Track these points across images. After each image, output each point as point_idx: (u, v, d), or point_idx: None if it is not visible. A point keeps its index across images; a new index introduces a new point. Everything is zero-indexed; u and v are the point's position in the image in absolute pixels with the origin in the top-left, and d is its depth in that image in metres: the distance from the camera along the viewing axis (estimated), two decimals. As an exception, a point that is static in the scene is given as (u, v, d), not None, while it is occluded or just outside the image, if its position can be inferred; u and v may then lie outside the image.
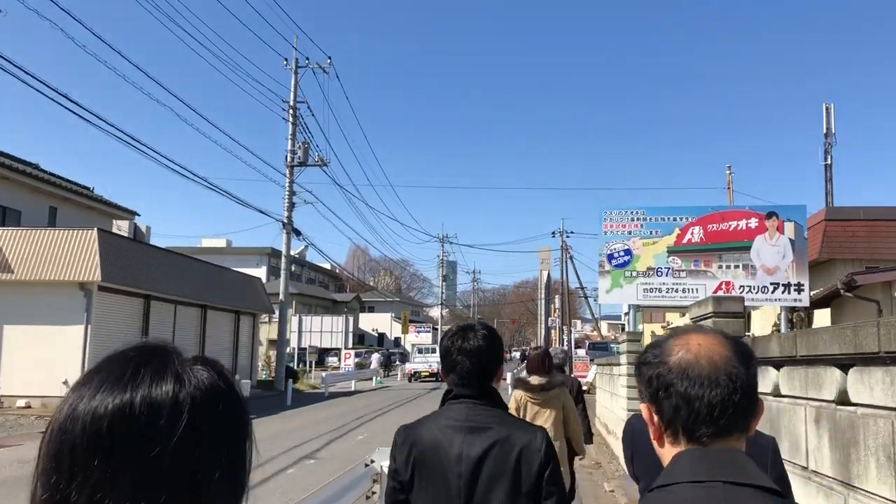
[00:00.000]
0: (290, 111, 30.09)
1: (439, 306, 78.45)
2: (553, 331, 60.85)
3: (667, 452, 1.20)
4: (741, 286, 16.18)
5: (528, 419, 5.15)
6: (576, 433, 5.66)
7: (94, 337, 18.57)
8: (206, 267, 25.33)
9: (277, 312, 30.86)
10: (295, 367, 36.18)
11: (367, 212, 70.68)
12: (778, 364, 4.37)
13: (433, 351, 40.62)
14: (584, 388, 28.34)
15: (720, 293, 16.30)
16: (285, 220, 29.29)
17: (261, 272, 70.47)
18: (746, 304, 18.43)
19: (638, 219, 16.81)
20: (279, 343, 29.75)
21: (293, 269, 77.73)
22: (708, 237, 16.49)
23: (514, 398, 5.51)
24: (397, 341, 75.31)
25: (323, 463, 11.54)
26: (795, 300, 16.10)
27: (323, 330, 45.39)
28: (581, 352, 32.96)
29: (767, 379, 4.46)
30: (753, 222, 16.31)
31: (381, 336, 77.55)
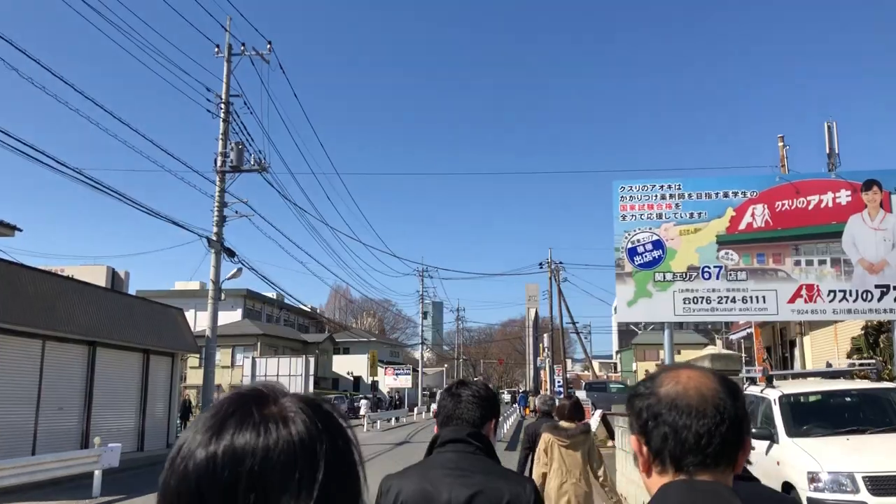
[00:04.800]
0: (222, 106, 24.77)
1: (420, 345, 72.32)
2: (542, 371, 55.47)
3: (654, 483, 1.22)
4: (830, 291, 10.78)
5: (554, 459, 5.77)
6: (601, 471, 5.88)
7: None
8: (96, 293, 19.62)
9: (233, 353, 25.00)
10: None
11: (330, 236, 64.45)
12: None
13: None
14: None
15: (799, 301, 10.89)
16: (213, 237, 23.71)
17: (236, 314, 65.02)
18: (838, 317, 12.98)
19: (672, 195, 11.43)
20: (205, 390, 23.85)
21: (270, 311, 72.02)
22: (777, 220, 11.13)
23: (542, 440, 5.92)
24: (374, 385, 69.17)
25: None
26: (916, 311, 10.68)
27: (280, 373, 39.42)
28: (581, 394, 27.30)
29: None
30: (844, 196, 10.98)
31: (357, 380, 71.49)
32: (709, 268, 11.13)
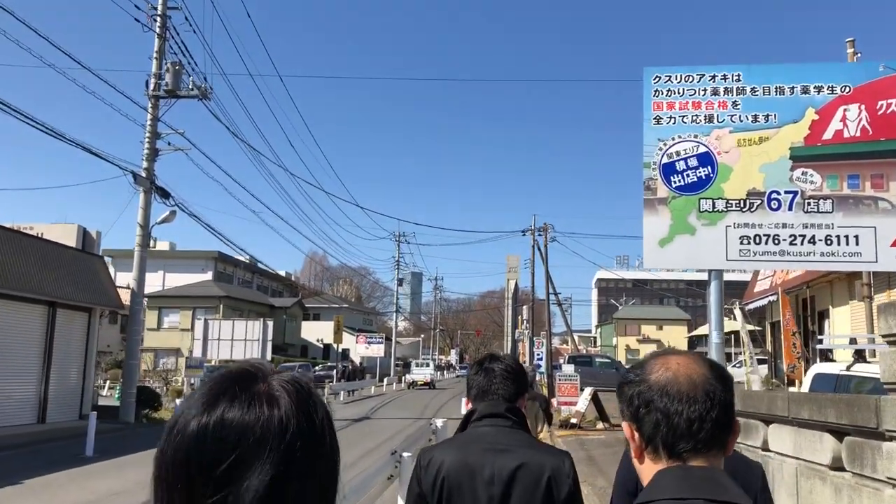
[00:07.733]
0: (158, 19, 20.94)
1: (395, 313, 69.01)
2: (521, 343, 52.69)
3: (647, 469, 1.22)
4: (955, 232, 7.44)
5: None
6: (541, 427, 6.58)
7: None
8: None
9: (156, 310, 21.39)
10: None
11: (290, 185, 60.56)
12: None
13: (428, 364, 54.84)
14: (574, 421, 19.48)
15: (909, 246, 7.54)
16: (142, 173, 20.01)
17: (206, 276, 61.34)
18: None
19: (728, 89, 7.99)
20: (128, 353, 20.29)
21: (242, 275, 68.26)
22: (879, 126, 7.74)
23: None
24: (345, 353, 65.87)
25: None
26: None
27: (235, 337, 35.78)
28: (569, 368, 24.13)
29: None
30: (979, 95, 7.62)
31: (327, 347, 68.05)
32: (778, 193, 7.74)
